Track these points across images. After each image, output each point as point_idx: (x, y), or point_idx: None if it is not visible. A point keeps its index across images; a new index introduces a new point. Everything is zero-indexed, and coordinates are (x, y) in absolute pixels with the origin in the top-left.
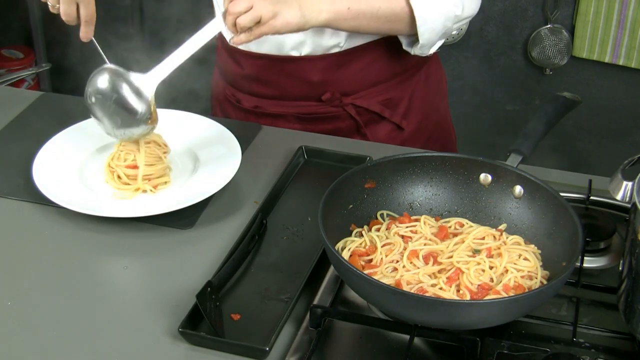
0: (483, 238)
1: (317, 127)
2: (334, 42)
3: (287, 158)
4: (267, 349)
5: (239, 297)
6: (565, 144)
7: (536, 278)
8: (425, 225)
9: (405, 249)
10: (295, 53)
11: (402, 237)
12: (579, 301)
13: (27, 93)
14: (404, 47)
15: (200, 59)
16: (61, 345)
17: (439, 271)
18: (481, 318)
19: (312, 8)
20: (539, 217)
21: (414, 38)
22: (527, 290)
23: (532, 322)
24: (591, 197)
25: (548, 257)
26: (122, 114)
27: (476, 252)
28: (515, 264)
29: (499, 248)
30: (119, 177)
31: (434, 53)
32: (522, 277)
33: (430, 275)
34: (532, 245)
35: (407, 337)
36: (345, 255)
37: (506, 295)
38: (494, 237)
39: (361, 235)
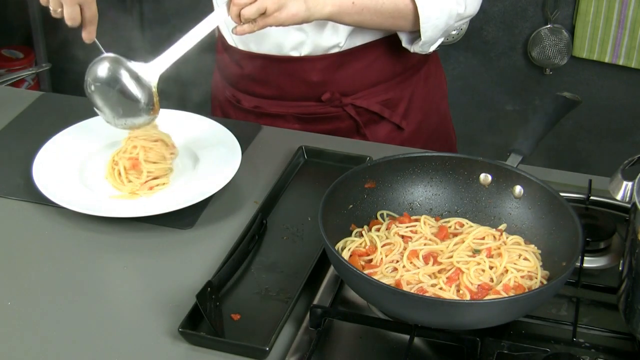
0: (483, 238)
1: (317, 127)
2: (334, 42)
3: (287, 158)
4: (267, 349)
5: (238, 297)
6: (565, 144)
7: (536, 278)
8: (425, 225)
9: (405, 249)
10: (295, 53)
11: (402, 237)
12: (579, 301)
13: (27, 93)
14: (404, 44)
15: (200, 59)
16: (61, 345)
17: (439, 271)
18: (481, 318)
19: (317, 1)
20: (539, 217)
21: (415, 35)
22: (527, 290)
23: (532, 322)
24: (591, 197)
25: (548, 257)
26: (123, 102)
27: (476, 252)
28: (515, 264)
29: (499, 248)
30: (119, 173)
31: (434, 53)
32: (522, 277)
33: (430, 275)
34: (532, 245)
35: (407, 337)
36: (345, 255)
37: (506, 296)
38: (494, 237)
39: (361, 235)
